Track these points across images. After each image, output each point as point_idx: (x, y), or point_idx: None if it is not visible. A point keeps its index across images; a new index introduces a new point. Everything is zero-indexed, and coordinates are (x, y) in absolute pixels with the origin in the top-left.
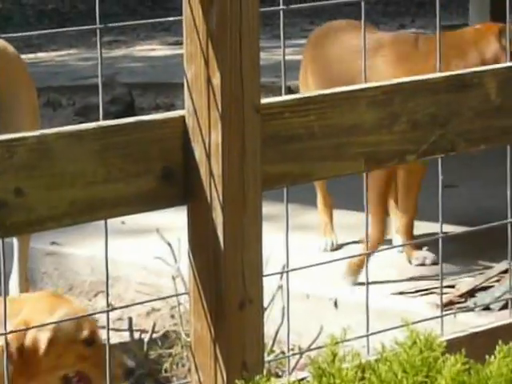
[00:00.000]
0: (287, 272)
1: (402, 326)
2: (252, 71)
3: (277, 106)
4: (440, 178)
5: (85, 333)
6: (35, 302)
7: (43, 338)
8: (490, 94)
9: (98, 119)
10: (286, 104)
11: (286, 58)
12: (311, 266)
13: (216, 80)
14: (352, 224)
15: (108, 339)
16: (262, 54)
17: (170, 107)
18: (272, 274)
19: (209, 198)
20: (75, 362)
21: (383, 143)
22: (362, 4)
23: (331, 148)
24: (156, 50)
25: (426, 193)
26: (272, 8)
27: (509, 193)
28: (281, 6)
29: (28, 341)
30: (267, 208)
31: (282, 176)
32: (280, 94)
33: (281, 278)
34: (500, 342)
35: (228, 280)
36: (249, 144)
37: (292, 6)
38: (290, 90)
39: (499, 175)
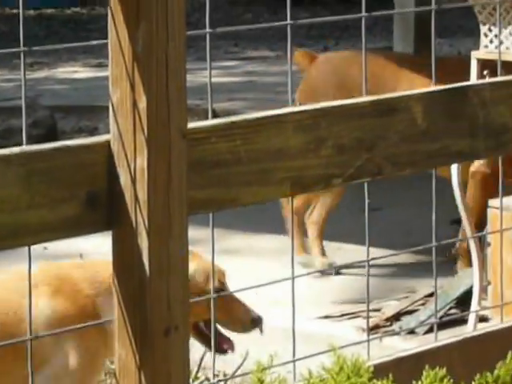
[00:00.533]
0: (213, 298)
1: (328, 350)
2: (178, 96)
3: (203, 130)
4: (366, 201)
5: (211, 285)
6: None
7: None
8: (416, 119)
9: (19, 142)
10: (213, 129)
11: (211, 80)
12: (237, 290)
13: (142, 104)
14: (271, 248)
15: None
16: (187, 76)
17: (93, 130)
18: (198, 300)
19: (134, 224)
20: (205, 310)
21: (309, 168)
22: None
23: (257, 173)
24: (79, 72)
25: (351, 216)
26: (198, 31)
27: (433, 216)
28: (207, 30)
29: None
30: (193, 232)
31: (207, 201)
32: (205, 117)
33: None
34: (426, 366)
35: (153, 306)
36: (175, 169)
37: (218, 29)
38: (214, 114)
39: (422, 197)
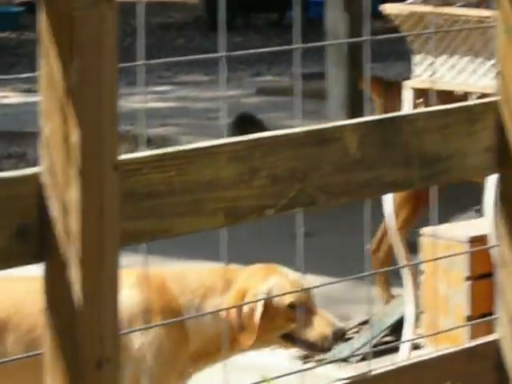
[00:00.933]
0: (144, 329)
1: (262, 381)
2: (111, 128)
3: (136, 162)
4: (301, 230)
5: (290, 298)
6: (249, 271)
7: (258, 304)
8: (350, 148)
9: None
10: (145, 160)
11: (144, 105)
12: (169, 322)
13: (74, 137)
14: None
15: None
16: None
17: (23, 156)
18: (129, 332)
19: (65, 256)
20: (286, 323)
21: (242, 198)
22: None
23: (190, 203)
24: (8, 97)
25: (284, 243)
26: (131, 63)
27: (366, 246)
28: (141, 62)
29: (245, 307)
30: (127, 259)
31: (140, 232)
32: (136, 143)
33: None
34: None
35: (84, 339)
36: (107, 201)
37: (152, 61)
38: (147, 139)
39: (356, 223)
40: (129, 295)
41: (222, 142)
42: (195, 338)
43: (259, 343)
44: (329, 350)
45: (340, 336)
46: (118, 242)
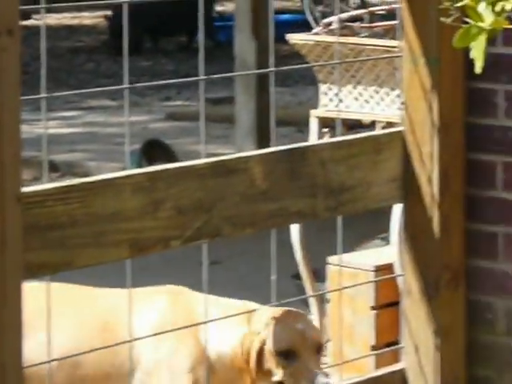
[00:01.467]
0: (49, 361)
1: None
2: (13, 162)
3: (39, 194)
4: (205, 262)
5: (282, 345)
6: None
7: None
8: (255, 179)
9: None
10: (49, 192)
11: (51, 131)
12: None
13: None
14: None
15: None
16: (24, 127)
17: None
18: (34, 365)
19: None
20: (275, 371)
21: (147, 230)
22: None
23: (94, 235)
24: None
25: (190, 269)
26: (36, 96)
27: (273, 276)
28: (42, 95)
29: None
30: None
31: (43, 265)
32: (40, 170)
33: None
34: None
35: None
36: (10, 233)
37: (55, 94)
38: (54, 165)
39: (263, 250)
40: (158, 316)
41: (126, 173)
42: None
43: None
44: None
45: None
46: (20, 275)
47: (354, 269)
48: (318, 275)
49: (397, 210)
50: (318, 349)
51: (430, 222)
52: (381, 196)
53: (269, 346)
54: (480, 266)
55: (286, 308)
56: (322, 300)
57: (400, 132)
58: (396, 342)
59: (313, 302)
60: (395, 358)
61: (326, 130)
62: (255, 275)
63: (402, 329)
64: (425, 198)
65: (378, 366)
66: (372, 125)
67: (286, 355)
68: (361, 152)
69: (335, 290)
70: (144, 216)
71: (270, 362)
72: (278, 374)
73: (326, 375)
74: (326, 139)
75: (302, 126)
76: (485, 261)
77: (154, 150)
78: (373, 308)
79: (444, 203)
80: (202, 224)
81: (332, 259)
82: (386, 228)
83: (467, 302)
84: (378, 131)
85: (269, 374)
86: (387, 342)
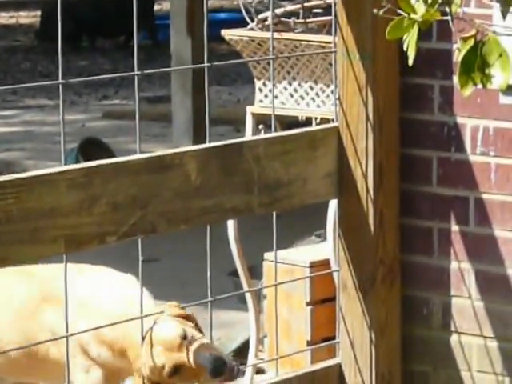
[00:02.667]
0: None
1: None
2: None
3: None
4: (140, 259)
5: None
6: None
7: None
8: (190, 175)
9: None
10: None
11: None
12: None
13: None
14: None
15: None
16: None
17: None
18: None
19: None
20: None
21: (83, 225)
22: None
23: (29, 231)
24: None
25: (128, 266)
26: None
27: (208, 273)
28: None
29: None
30: None
31: None
32: None
33: None
34: None
35: None
36: None
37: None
38: None
39: (200, 248)
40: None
41: (62, 169)
42: None
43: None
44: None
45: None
46: None
47: (290, 265)
48: (255, 272)
49: (332, 205)
50: (183, 338)
51: (364, 218)
52: (316, 192)
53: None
54: (415, 261)
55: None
56: (258, 296)
57: (335, 128)
58: (332, 338)
59: (249, 299)
60: (331, 353)
61: (261, 126)
62: (193, 272)
63: (337, 324)
64: (360, 194)
65: (313, 361)
66: (309, 123)
67: (174, 372)
68: (296, 148)
69: (271, 286)
70: (80, 212)
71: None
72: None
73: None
74: (261, 135)
75: (239, 125)
76: (420, 256)
77: (91, 149)
78: (308, 304)
79: (379, 199)
80: (137, 220)
81: (268, 256)
82: (321, 225)
83: (403, 297)
84: (313, 127)
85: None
86: (323, 337)
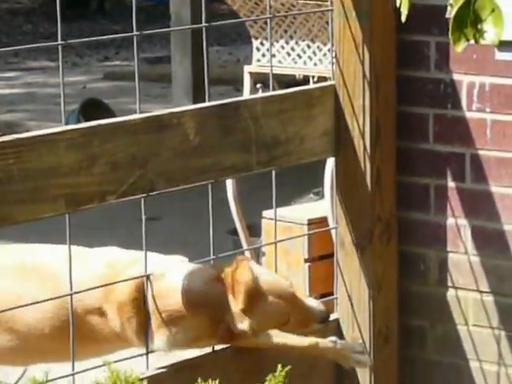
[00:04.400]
0: None
1: (102, 365)
2: None
3: None
4: (143, 217)
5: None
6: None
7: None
8: (188, 134)
9: None
10: None
11: None
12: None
13: None
14: None
15: None
16: None
17: None
18: None
19: None
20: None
21: (83, 185)
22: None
23: (30, 191)
24: None
25: (128, 227)
26: None
27: (211, 231)
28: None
29: None
30: None
31: None
32: None
33: None
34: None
35: None
36: None
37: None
38: None
39: (200, 207)
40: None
41: (61, 129)
42: None
43: None
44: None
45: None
46: None
47: (288, 223)
48: (254, 230)
49: (329, 163)
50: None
51: (362, 175)
52: (313, 150)
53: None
54: (412, 217)
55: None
56: (257, 254)
57: (332, 86)
58: (329, 293)
59: (249, 256)
60: (329, 308)
61: (259, 85)
62: (193, 231)
63: (335, 280)
64: (357, 152)
65: None
66: (306, 81)
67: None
68: (293, 106)
69: (270, 244)
70: (79, 172)
71: None
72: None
73: (315, 301)
74: (259, 94)
75: (239, 84)
76: (417, 213)
77: (92, 109)
78: (306, 260)
79: (376, 156)
80: (137, 179)
81: (266, 214)
82: (319, 183)
83: (400, 253)
84: (310, 86)
85: None
86: (321, 293)
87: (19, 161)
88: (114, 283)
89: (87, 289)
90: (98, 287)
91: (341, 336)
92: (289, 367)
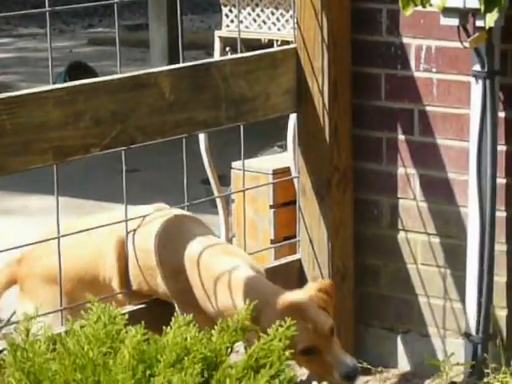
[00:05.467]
0: None
1: (87, 301)
2: None
3: None
4: (123, 168)
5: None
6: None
7: None
8: (164, 93)
9: None
10: None
11: None
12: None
13: None
14: (44, 207)
15: None
16: None
17: None
18: None
19: None
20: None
21: (69, 138)
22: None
23: (21, 144)
24: None
25: (110, 177)
26: None
27: (185, 180)
28: None
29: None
30: None
31: None
32: None
33: None
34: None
35: None
36: None
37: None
38: None
39: (176, 160)
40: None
41: (49, 88)
42: None
43: None
44: None
45: (350, 377)
46: None
47: (255, 173)
48: (224, 180)
49: (292, 119)
50: (332, 332)
51: (321, 129)
52: (277, 106)
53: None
54: (366, 168)
55: (293, 300)
56: (227, 201)
57: (294, 49)
58: (293, 236)
59: (219, 203)
60: (292, 250)
61: (228, 48)
62: (170, 181)
63: (297, 224)
64: (316, 108)
65: (277, 257)
66: (271, 45)
67: (308, 352)
68: (259, 67)
69: (238, 192)
70: (66, 126)
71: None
72: (305, 368)
73: (350, 357)
74: (228, 56)
75: (210, 49)
76: (371, 163)
77: (77, 71)
78: (272, 207)
79: (334, 112)
80: (118, 133)
81: (235, 165)
82: (283, 137)
83: (355, 200)
84: (274, 49)
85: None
86: (285, 236)
87: (11, 116)
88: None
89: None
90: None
91: (303, 274)
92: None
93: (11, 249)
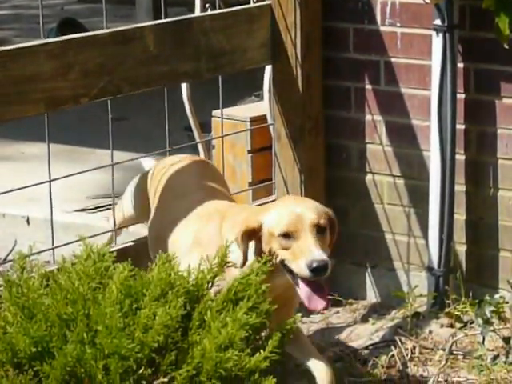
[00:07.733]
0: None
1: (78, 240)
2: None
3: None
4: (110, 117)
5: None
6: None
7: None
8: (149, 46)
9: None
10: None
11: None
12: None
13: None
14: (38, 154)
15: None
16: None
17: None
18: None
19: None
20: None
21: (60, 89)
22: None
23: (15, 94)
24: None
25: (100, 125)
26: None
27: (167, 126)
28: None
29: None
30: None
31: None
32: None
33: None
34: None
35: None
36: None
37: None
38: None
39: (161, 108)
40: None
41: (41, 42)
42: None
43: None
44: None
45: (315, 268)
46: None
47: (234, 120)
48: (205, 127)
49: (267, 70)
50: (317, 229)
51: (294, 80)
52: (254, 59)
53: (270, 230)
54: (337, 115)
55: (290, 196)
56: (208, 147)
57: (268, 5)
58: (269, 179)
59: (201, 149)
60: (268, 191)
61: (208, 5)
62: (155, 128)
63: (273, 168)
64: (290, 60)
65: (254, 198)
66: (248, 2)
67: (285, 236)
68: (236, 22)
69: (218, 138)
70: (57, 78)
71: (273, 243)
72: (280, 254)
73: (322, 252)
74: (208, 12)
75: (192, 6)
76: (341, 111)
77: (69, 28)
78: (249, 152)
79: (306, 64)
80: (105, 84)
81: (215, 113)
82: (259, 87)
83: (326, 145)
84: (250, 5)
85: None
86: (262, 179)
87: (5, 69)
88: None
89: None
90: None
91: None
92: None
93: (6, 192)
